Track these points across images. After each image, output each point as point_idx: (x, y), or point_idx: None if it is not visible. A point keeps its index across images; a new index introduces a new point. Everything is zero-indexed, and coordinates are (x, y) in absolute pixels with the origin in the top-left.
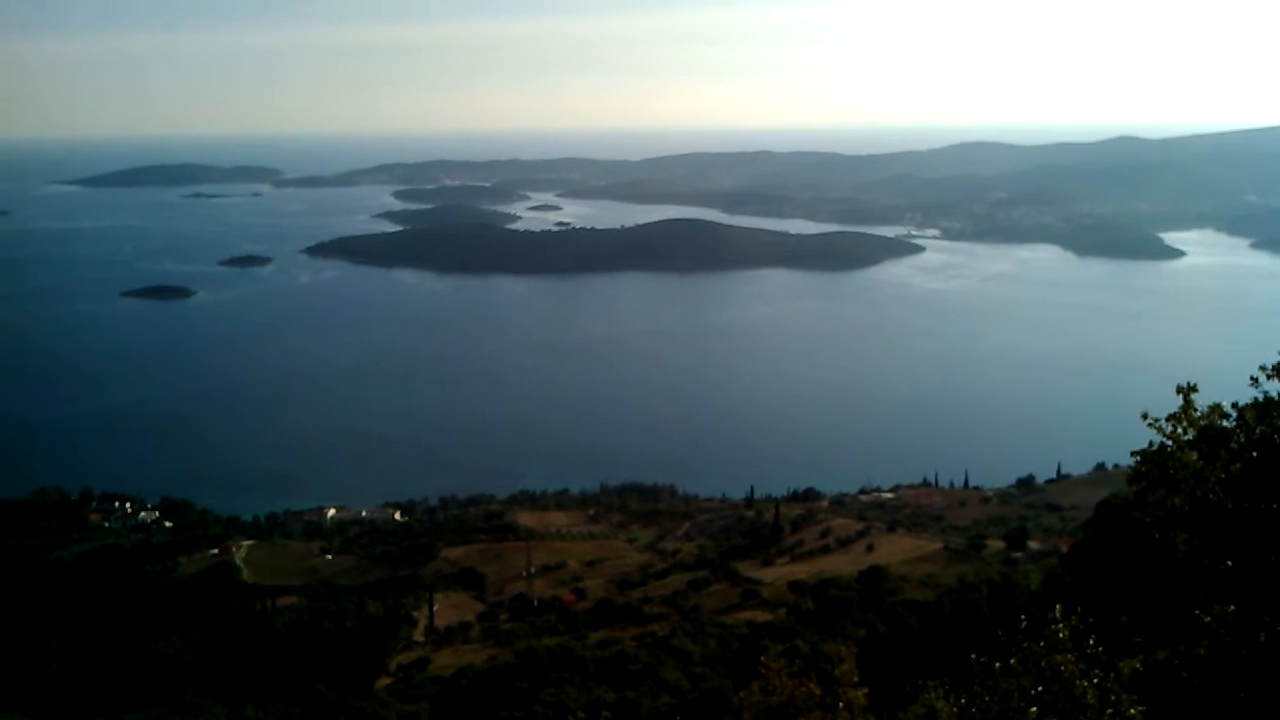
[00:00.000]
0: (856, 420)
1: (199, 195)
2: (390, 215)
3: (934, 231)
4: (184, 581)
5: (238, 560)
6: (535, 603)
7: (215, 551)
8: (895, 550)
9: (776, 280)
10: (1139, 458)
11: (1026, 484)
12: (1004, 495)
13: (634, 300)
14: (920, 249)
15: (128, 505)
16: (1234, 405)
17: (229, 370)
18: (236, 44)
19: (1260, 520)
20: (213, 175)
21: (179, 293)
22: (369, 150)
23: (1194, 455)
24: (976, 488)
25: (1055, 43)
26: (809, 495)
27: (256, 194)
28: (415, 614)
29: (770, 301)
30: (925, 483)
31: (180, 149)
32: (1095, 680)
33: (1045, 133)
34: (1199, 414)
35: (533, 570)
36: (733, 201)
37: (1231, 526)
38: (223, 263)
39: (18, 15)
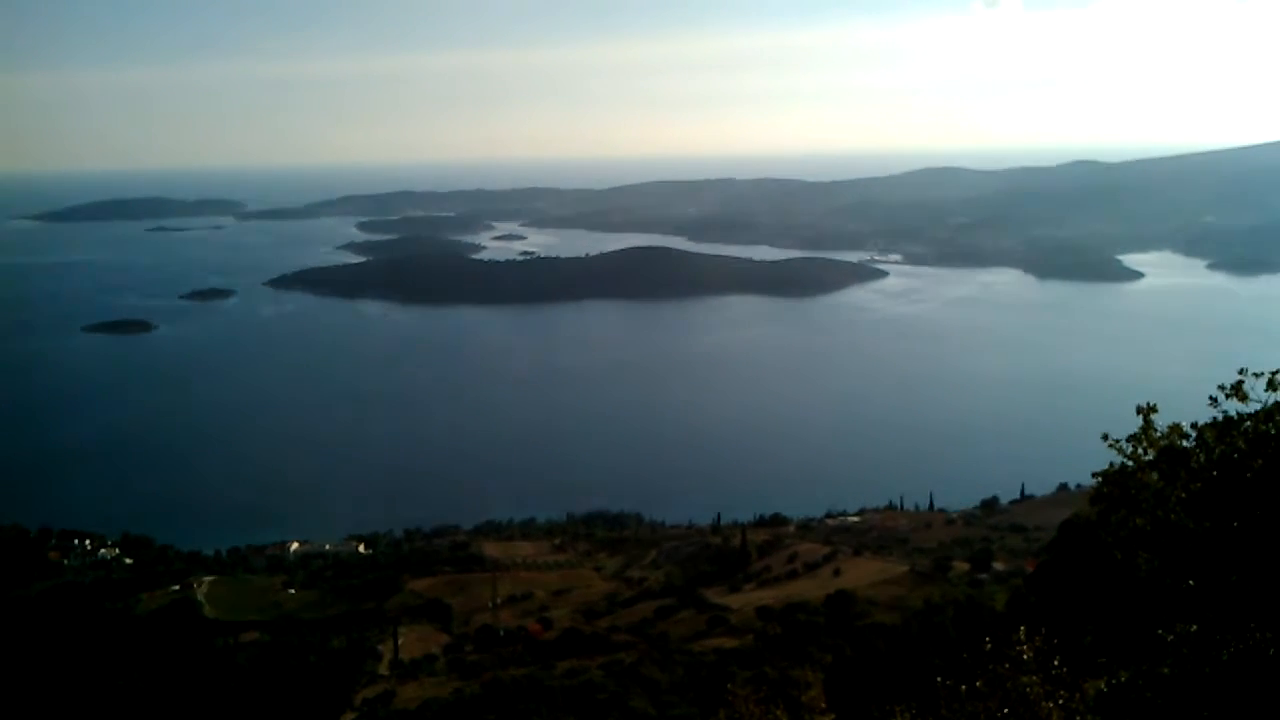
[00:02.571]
0: (822, 445)
1: (161, 229)
2: (353, 247)
3: (896, 256)
4: (145, 618)
5: (199, 596)
6: (501, 633)
7: (176, 588)
8: (862, 574)
9: (741, 307)
10: (1100, 478)
11: (990, 505)
12: (968, 517)
13: (599, 329)
14: (883, 274)
15: (87, 542)
16: (1193, 425)
17: (190, 405)
18: (198, 77)
19: (1221, 539)
20: (175, 209)
21: (140, 326)
22: (332, 182)
23: (1154, 475)
24: (941, 510)
25: (1014, 68)
26: (775, 520)
27: (219, 227)
28: (380, 647)
29: (734, 328)
30: (890, 506)
31: (142, 183)
32: (1060, 701)
33: (1005, 157)
34: (1159, 434)
35: (499, 601)
36: (697, 229)
37: (1193, 546)
38: (184, 296)
39: None
